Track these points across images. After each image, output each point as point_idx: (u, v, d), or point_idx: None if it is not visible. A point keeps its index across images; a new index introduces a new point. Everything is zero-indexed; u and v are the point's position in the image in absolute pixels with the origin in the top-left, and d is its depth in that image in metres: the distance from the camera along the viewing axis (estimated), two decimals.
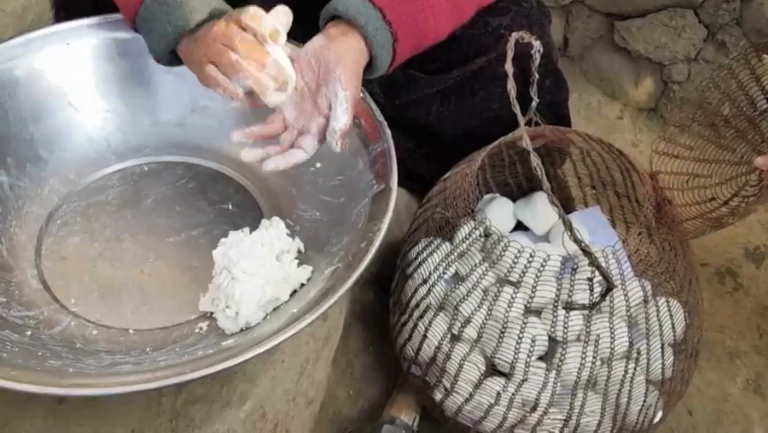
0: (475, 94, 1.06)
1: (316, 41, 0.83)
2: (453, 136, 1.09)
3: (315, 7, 0.86)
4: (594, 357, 0.89)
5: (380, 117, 0.93)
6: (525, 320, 0.89)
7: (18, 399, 0.78)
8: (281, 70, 0.80)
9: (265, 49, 0.79)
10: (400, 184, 0.90)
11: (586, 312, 0.89)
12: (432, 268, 0.95)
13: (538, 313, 0.92)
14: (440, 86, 1.05)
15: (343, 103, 0.81)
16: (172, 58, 0.87)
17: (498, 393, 0.90)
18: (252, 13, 0.80)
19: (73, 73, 0.99)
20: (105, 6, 0.99)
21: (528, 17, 1.05)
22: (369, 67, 0.85)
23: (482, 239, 0.94)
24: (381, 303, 1.11)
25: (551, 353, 0.91)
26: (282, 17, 0.82)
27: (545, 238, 1.07)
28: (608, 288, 0.82)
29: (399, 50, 0.86)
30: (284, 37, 0.81)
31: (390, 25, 0.83)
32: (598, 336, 0.89)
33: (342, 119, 0.81)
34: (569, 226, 0.77)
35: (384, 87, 1.06)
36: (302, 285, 0.87)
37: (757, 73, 1.16)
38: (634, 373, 0.90)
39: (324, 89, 0.82)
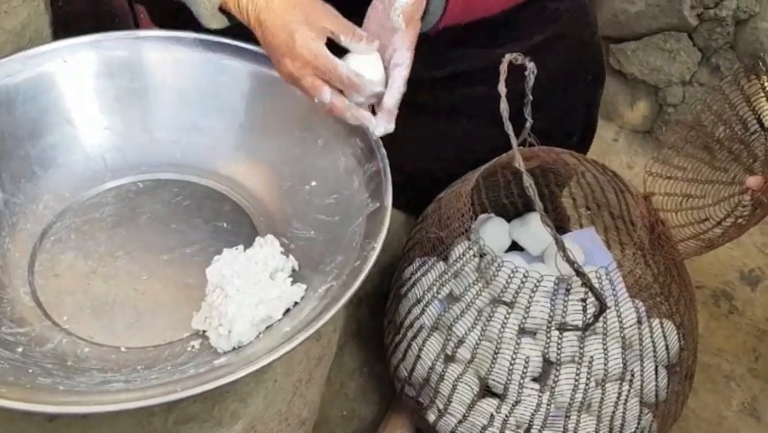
0: (474, 116, 1.07)
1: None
2: (453, 153, 1.09)
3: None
4: (588, 379, 0.88)
5: (375, 136, 0.93)
6: (519, 341, 0.89)
7: (8, 416, 0.77)
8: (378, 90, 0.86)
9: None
10: (396, 205, 0.90)
11: (579, 333, 0.88)
12: (426, 288, 0.95)
13: (532, 334, 0.91)
14: (482, 62, 1.04)
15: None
16: (220, 16, 0.88)
17: (492, 415, 0.90)
18: (356, 72, 0.83)
19: (71, 90, 0.99)
20: (104, 24, 1.00)
21: (580, 2, 1.08)
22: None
23: (477, 259, 0.94)
24: (376, 322, 1.11)
25: (544, 374, 0.91)
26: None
27: (540, 259, 1.07)
28: (601, 309, 0.82)
29: (450, 5, 0.88)
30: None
31: None
32: (592, 357, 0.88)
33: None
34: (561, 247, 0.77)
35: None
36: (296, 304, 0.87)
37: (747, 94, 1.16)
38: (628, 395, 0.90)
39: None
